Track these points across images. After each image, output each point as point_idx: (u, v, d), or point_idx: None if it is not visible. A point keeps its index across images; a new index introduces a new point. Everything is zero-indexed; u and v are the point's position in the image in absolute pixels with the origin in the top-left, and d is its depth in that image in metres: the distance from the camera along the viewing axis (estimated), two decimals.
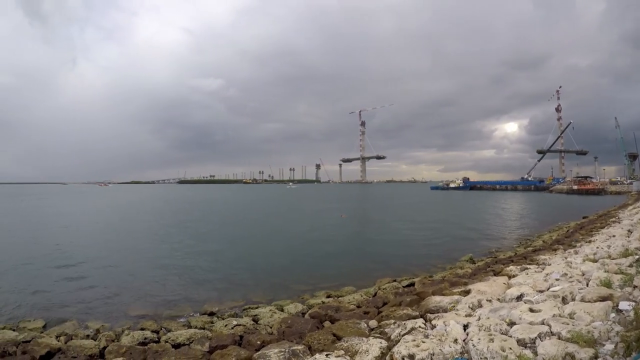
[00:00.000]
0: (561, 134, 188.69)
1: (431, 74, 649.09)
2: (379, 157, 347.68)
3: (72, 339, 9.59)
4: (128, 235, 29.94)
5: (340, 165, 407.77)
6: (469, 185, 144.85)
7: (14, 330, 10.69)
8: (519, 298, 8.12)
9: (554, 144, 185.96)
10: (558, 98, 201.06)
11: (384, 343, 6.31)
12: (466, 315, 7.39)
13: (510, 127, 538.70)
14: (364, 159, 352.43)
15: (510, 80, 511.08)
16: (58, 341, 9.35)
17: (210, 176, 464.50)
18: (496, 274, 12.34)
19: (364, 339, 6.66)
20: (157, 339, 9.47)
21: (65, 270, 17.57)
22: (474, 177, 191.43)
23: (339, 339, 7.17)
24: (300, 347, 6.79)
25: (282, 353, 6.48)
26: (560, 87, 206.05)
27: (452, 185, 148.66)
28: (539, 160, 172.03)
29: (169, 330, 10.10)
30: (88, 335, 10.04)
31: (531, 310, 6.69)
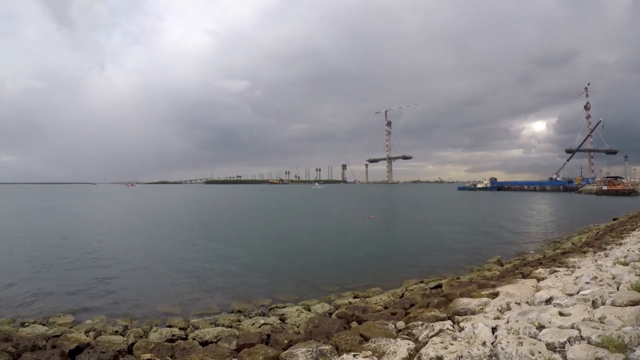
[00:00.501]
0: (590, 133, 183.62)
1: (457, 73, 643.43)
2: (405, 157, 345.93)
3: (100, 335, 9.85)
4: (156, 235, 30.80)
5: (367, 165, 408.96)
6: (496, 186, 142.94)
7: (44, 325, 11.13)
8: (548, 301, 8.08)
9: (583, 143, 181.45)
10: (587, 95, 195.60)
11: (412, 344, 6.40)
12: (494, 318, 7.38)
13: (538, 126, 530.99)
14: (390, 159, 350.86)
15: (538, 77, 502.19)
16: (87, 336, 9.59)
17: (237, 176, 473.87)
18: (525, 276, 12.26)
19: (391, 340, 6.76)
20: (184, 336, 9.72)
21: (94, 268, 18.28)
22: (502, 177, 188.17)
23: (366, 339, 7.24)
24: (327, 347, 6.89)
25: (309, 352, 6.59)
26: (588, 84, 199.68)
27: (479, 185, 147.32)
28: (567, 160, 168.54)
29: (197, 328, 10.35)
30: (117, 331, 10.34)
31: (560, 313, 6.65)
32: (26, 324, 11.15)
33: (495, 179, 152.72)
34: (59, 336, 9.44)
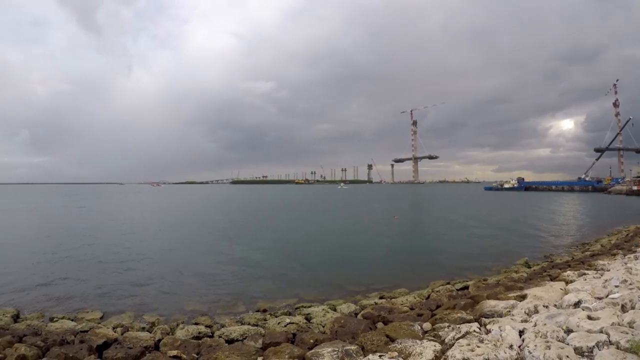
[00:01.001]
0: (620, 131, 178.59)
1: (482, 71, 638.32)
2: (431, 157, 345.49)
3: (128, 331, 10.20)
4: (183, 234, 31.65)
5: (392, 165, 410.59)
6: (523, 186, 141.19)
7: (72, 320, 11.51)
8: (577, 305, 8.04)
9: (612, 141, 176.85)
10: (615, 92, 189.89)
11: (438, 346, 6.48)
12: (522, 321, 7.37)
13: (566, 124, 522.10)
14: (416, 159, 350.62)
15: (565, 74, 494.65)
16: (115, 332, 9.92)
17: (263, 176, 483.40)
18: (553, 279, 12.19)
19: (417, 341, 6.84)
20: (210, 334, 9.97)
21: (122, 266, 18.94)
22: (529, 177, 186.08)
23: (392, 340, 7.35)
24: (353, 347, 7.00)
25: (335, 352, 6.72)
26: (617, 80, 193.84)
27: (506, 185, 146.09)
28: (596, 159, 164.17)
29: (223, 326, 10.59)
30: (144, 328, 10.68)
31: (589, 317, 6.65)
32: (55, 319, 11.55)
33: (523, 178, 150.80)
34: (87, 331, 9.75)
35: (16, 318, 11.87)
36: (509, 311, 8.35)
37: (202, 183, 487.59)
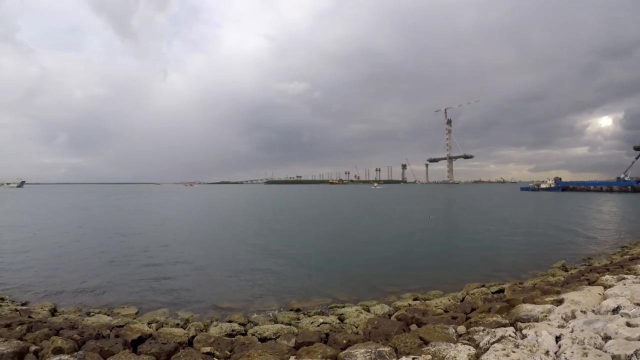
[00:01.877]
0: None
1: (517, 67, 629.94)
2: (466, 157, 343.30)
3: (162, 327, 10.62)
4: (218, 232, 32.83)
5: (427, 165, 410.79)
6: (561, 186, 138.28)
7: (108, 315, 12.07)
8: (615, 311, 7.99)
9: None
10: None
11: (472, 350, 6.56)
12: (559, 326, 7.36)
13: (604, 122, 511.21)
14: (450, 159, 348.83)
15: (602, 69, 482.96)
16: (149, 327, 10.36)
17: (297, 177, 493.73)
18: (591, 283, 12.08)
19: (451, 344, 6.90)
20: (244, 332, 10.31)
21: (158, 263, 19.84)
22: (566, 176, 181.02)
23: (426, 343, 7.42)
24: (386, 348, 7.09)
25: (368, 353, 6.84)
26: None
27: (543, 186, 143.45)
28: (636, 158, 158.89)
29: (256, 324, 10.94)
30: (178, 324, 11.11)
31: (628, 324, 6.62)
32: (92, 314, 12.12)
33: (560, 178, 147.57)
34: (122, 326, 10.23)
35: (54, 312, 12.47)
36: (546, 316, 8.33)
37: (236, 183, 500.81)
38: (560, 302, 9.43)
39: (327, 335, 9.12)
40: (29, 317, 11.40)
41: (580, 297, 9.50)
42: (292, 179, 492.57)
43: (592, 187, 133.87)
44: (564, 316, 8.12)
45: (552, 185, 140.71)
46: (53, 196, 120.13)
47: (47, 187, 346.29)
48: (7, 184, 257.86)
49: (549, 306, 8.93)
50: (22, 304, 13.30)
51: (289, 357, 7.74)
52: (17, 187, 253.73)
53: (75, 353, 7.24)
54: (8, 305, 12.83)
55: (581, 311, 8.25)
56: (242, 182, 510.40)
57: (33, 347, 7.63)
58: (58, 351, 7.46)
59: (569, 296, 9.74)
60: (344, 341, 8.30)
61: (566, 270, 17.43)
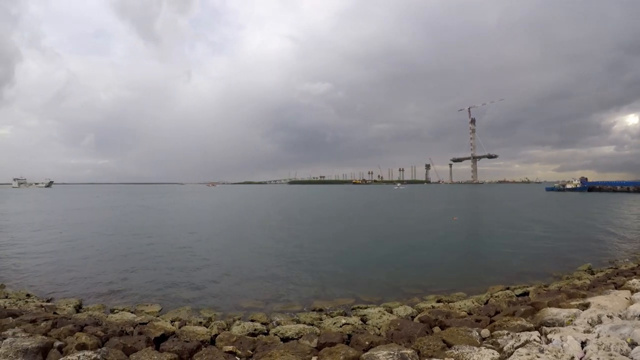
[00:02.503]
0: None
1: (542, 64, 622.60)
2: (490, 156, 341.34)
3: (185, 325, 10.86)
4: (241, 232, 33.50)
5: (451, 165, 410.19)
6: (587, 186, 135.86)
7: (132, 312, 12.40)
8: None
9: None
10: None
11: (496, 354, 6.62)
12: (584, 331, 7.34)
13: (631, 119, 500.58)
14: (474, 159, 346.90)
15: (629, 65, 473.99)
16: (172, 325, 10.62)
17: (320, 177, 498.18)
18: (617, 287, 11.98)
19: (474, 348, 6.99)
20: (266, 331, 10.49)
21: (182, 262, 20.31)
22: (593, 176, 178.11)
23: (449, 346, 7.49)
24: (409, 351, 7.19)
25: (390, 356, 6.92)
26: None
27: (568, 186, 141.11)
28: None
29: (278, 324, 11.13)
30: (201, 322, 11.38)
31: None
32: (115, 311, 12.44)
33: (586, 178, 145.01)
34: (146, 324, 10.51)
35: (78, 308, 12.83)
36: (571, 320, 8.28)
37: (259, 183, 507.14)
38: (586, 306, 9.37)
39: (349, 336, 9.27)
40: (54, 313, 11.76)
41: (607, 302, 9.41)
42: (315, 179, 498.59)
43: (619, 188, 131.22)
44: (589, 321, 8.05)
45: (578, 186, 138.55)
46: (80, 196, 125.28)
47: (73, 187, 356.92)
48: (36, 184, 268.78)
49: (574, 310, 8.87)
50: (48, 301, 13.74)
51: (311, 358, 7.88)
52: (45, 187, 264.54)
53: (99, 349, 7.43)
54: (34, 302, 13.23)
55: (607, 316, 8.17)
56: (265, 182, 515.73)
57: (57, 343, 7.88)
58: (82, 347, 7.67)
59: (595, 300, 9.66)
60: (367, 342, 8.38)
61: (592, 274, 17.26)
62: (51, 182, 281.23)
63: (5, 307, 11.80)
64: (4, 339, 7.50)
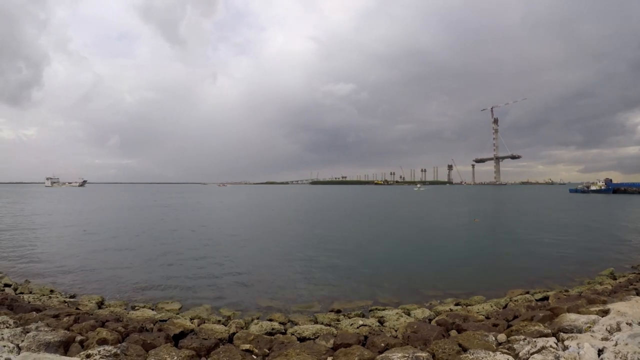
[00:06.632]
0: None
1: (564, 63, 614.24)
2: (513, 157, 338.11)
3: (204, 323, 11.16)
4: (261, 232, 34.04)
5: (473, 165, 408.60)
6: (612, 188, 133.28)
7: (152, 309, 12.69)
8: None
9: None
10: None
11: None
12: (602, 339, 7.26)
13: None
14: (497, 159, 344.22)
15: None
16: (192, 323, 10.93)
17: (342, 177, 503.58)
18: (639, 292, 11.82)
19: (490, 353, 6.96)
20: (283, 331, 10.67)
21: (202, 260, 20.82)
22: (618, 178, 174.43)
23: (464, 350, 7.48)
24: (424, 354, 7.24)
25: (405, 358, 6.98)
26: None
27: (593, 187, 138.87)
28: None
29: (296, 324, 11.33)
30: (219, 321, 11.63)
31: None
32: (136, 308, 12.75)
33: (611, 180, 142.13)
34: (165, 321, 10.85)
35: (100, 304, 13.16)
36: (590, 327, 8.19)
37: (281, 183, 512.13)
38: (606, 312, 9.25)
39: (365, 337, 9.31)
40: (77, 309, 12.11)
41: (627, 308, 9.26)
42: (337, 179, 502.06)
43: None
44: (608, 328, 7.95)
45: (603, 187, 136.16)
46: (113, 195, 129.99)
47: (98, 186, 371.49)
48: (69, 183, 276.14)
49: (593, 317, 8.76)
50: (71, 297, 14.13)
51: (326, 358, 7.99)
52: (79, 186, 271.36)
53: (119, 344, 7.68)
54: (57, 297, 13.62)
55: (627, 323, 8.06)
56: (287, 183, 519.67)
57: (79, 337, 8.18)
58: (102, 342, 7.87)
59: (615, 306, 9.54)
60: (382, 344, 8.41)
61: (614, 279, 17.05)
62: (85, 182, 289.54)
63: (29, 302, 12.17)
64: (28, 332, 7.75)
